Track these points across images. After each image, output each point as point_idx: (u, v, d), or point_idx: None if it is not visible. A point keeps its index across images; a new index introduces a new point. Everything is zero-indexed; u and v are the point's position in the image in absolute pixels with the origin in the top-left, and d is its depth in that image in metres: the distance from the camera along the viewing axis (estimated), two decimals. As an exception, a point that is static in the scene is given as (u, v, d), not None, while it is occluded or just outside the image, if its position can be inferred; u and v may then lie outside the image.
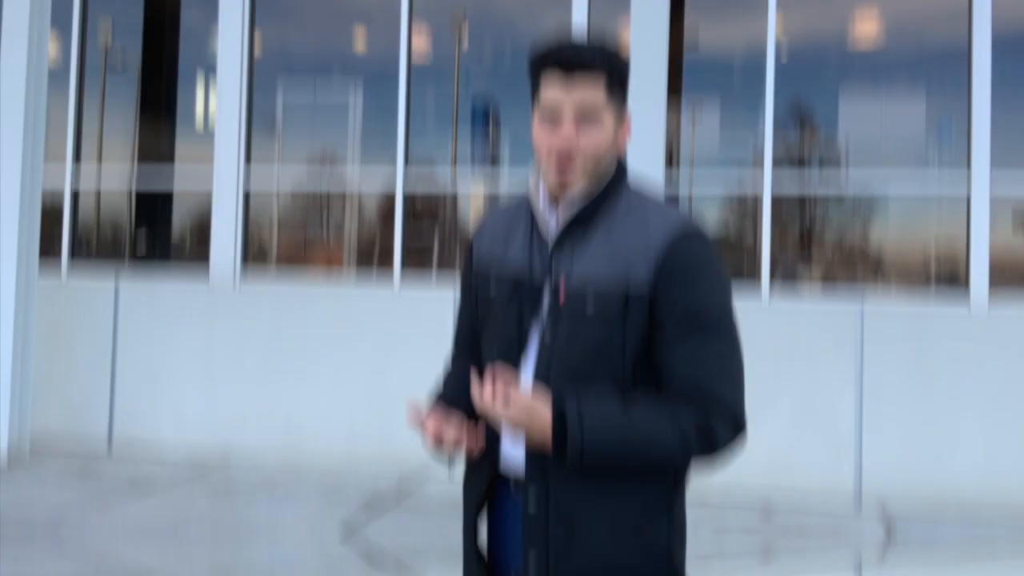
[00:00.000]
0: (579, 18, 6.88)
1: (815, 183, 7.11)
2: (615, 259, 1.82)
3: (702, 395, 1.79)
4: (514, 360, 1.89)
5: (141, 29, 8.66)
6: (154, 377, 7.27)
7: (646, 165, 5.89)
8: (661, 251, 1.80)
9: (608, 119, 1.84)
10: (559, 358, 1.83)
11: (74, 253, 7.97)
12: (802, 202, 7.08)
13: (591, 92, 1.81)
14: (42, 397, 7.15)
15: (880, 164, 7.20)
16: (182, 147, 8.59)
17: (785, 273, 7.06)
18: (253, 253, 7.87)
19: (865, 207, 6.94)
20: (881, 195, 6.96)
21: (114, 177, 8.33)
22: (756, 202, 6.89)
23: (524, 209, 1.98)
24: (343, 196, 8.08)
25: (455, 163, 7.98)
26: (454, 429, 1.90)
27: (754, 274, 6.83)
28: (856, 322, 6.27)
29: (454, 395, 2.03)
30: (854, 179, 7.11)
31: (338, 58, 8.47)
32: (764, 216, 6.70)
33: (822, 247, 7.13)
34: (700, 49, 7.34)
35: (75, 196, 7.99)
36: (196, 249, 8.14)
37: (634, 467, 1.82)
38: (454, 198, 7.98)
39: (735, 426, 1.82)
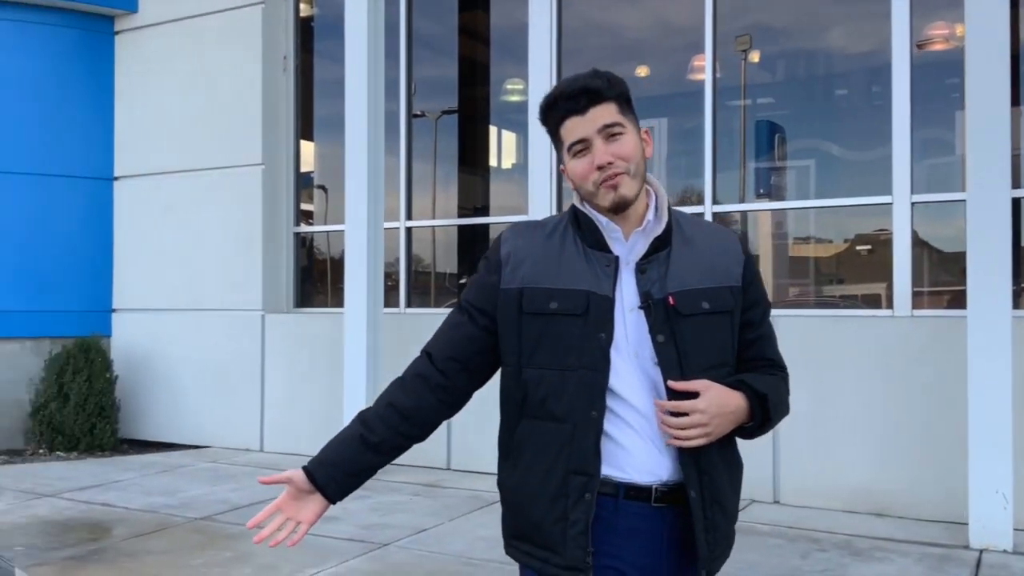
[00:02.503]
0: (899, 27, 6.67)
1: None
2: (709, 261, 2.15)
3: (780, 366, 2.27)
4: (598, 368, 2.05)
5: (456, 84, 9.45)
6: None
7: (990, 174, 5.55)
8: (740, 249, 2.21)
9: (630, 127, 2.10)
10: (692, 353, 2.07)
11: (410, 286, 8.83)
12: None
13: (607, 114, 2.07)
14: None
15: None
16: (497, 183, 9.28)
17: None
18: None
19: None
20: None
21: (440, 216, 9.12)
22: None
23: (562, 229, 2.17)
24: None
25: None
26: (292, 515, 2.22)
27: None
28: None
29: (394, 421, 2.28)
30: None
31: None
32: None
33: None
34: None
35: (408, 233, 8.85)
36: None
37: (776, 424, 2.21)
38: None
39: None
